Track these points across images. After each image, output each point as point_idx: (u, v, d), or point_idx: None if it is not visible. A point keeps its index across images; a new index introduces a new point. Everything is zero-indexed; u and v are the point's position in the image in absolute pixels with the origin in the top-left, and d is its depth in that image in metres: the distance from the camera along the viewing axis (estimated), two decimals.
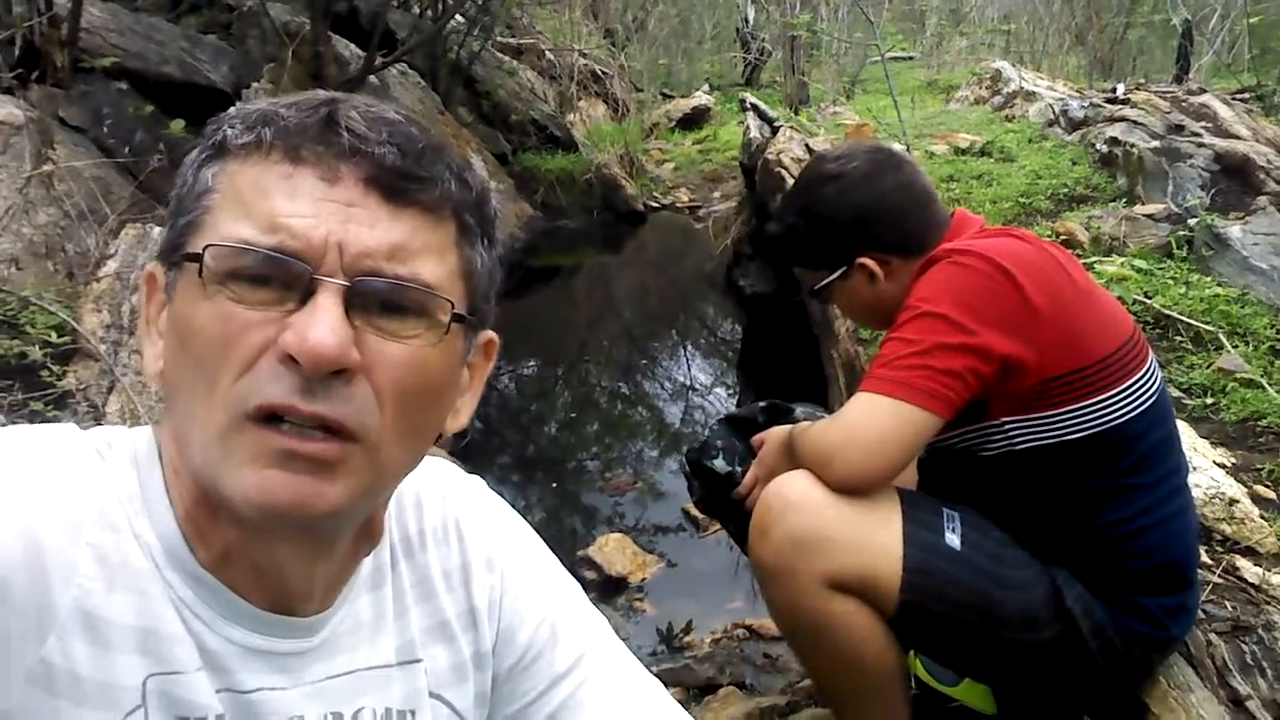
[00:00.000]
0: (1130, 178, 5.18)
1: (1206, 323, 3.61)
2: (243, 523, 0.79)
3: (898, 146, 2.28)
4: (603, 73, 11.78)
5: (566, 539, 3.64)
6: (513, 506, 1.11)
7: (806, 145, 5.71)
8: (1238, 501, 2.48)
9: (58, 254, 4.02)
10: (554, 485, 4.27)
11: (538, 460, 4.66)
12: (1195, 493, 2.36)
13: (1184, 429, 2.77)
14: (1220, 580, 2.24)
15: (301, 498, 0.76)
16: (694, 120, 12.77)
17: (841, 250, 2.00)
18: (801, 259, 2.11)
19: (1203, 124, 5.62)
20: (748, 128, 6.62)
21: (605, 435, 5.05)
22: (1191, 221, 4.37)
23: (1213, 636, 2.05)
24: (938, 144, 6.40)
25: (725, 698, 2.49)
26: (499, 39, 10.84)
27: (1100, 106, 6.32)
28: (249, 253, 0.76)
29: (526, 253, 8.03)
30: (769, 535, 1.80)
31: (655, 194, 9.74)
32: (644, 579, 3.34)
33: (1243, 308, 3.72)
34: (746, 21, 15.25)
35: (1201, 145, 5.10)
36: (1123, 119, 5.76)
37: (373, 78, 7.40)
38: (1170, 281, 4.00)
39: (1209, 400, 3.20)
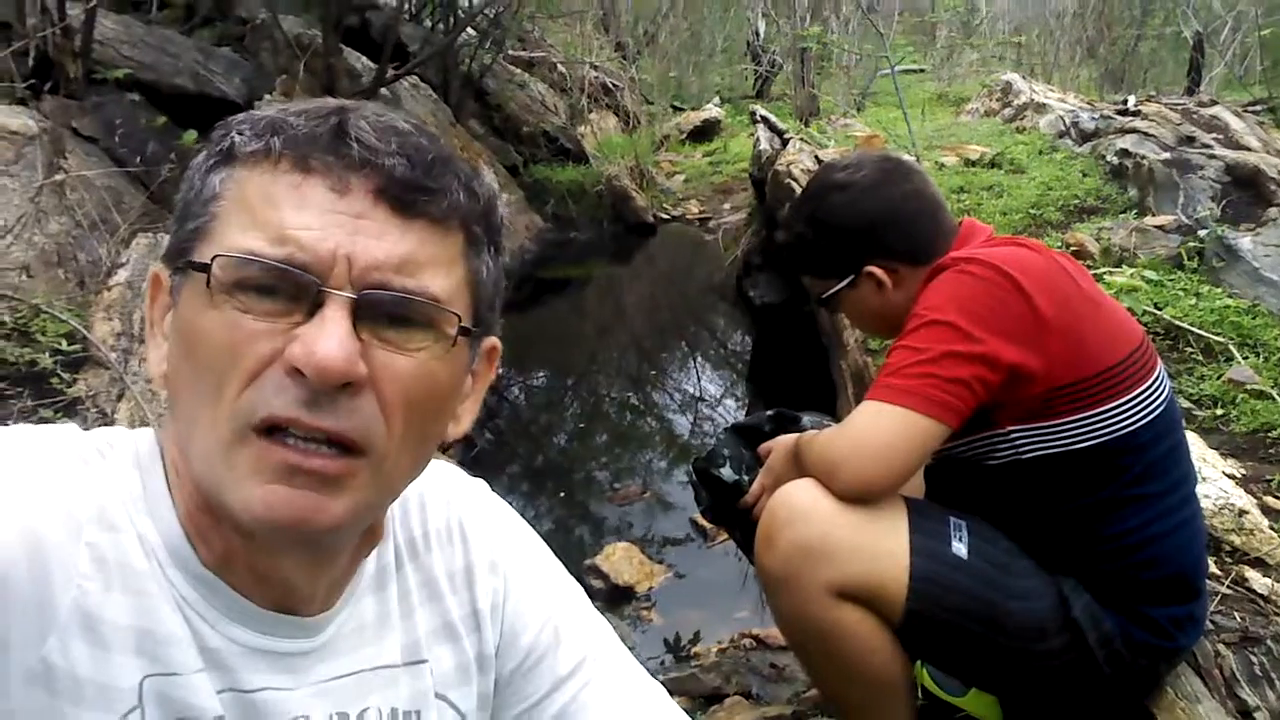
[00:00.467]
0: (1141, 189, 5.18)
1: (1217, 334, 3.60)
2: (245, 534, 0.79)
3: (907, 157, 2.29)
4: (613, 85, 11.80)
5: (574, 548, 3.64)
6: (521, 515, 1.11)
7: (816, 157, 5.70)
8: (1247, 513, 2.47)
9: (69, 262, 4.05)
10: (562, 495, 4.27)
11: (546, 470, 4.66)
12: (1204, 503, 2.35)
13: (1194, 440, 2.76)
14: (1229, 591, 2.23)
15: (305, 513, 0.76)
16: (704, 133, 12.77)
17: (849, 259, 2.00)
18: (809, 267, 2.11)
19: (1213, 136, 5.62)
20: (758, 140, 6.62)
21: (614, 445, 5.05)
22: (1202, 233, 4.36)
23: (1221, 647, 2.04)
24: (948, 156, 6.40)
25: (731, 707, 2.49)
26: (510, 52, 10.88)
27: (1111, 118, 6.31)
28: (257, 264, 0.76)
29: (537, 264, 8.05)
30: (775, 543, 1.79)
31: (665, 206, 9.75)
32: (651, 588, 3.34)
33: (1253, 319, 3.71)
34: (757, 35, 15.27)
35: (1212, 157, 5.09)
36: (1133, 131, 5.76)
37: (384, 90, 7.44)
38: (1181, 293, 4.00)
39: (1219, 411, 3.19)
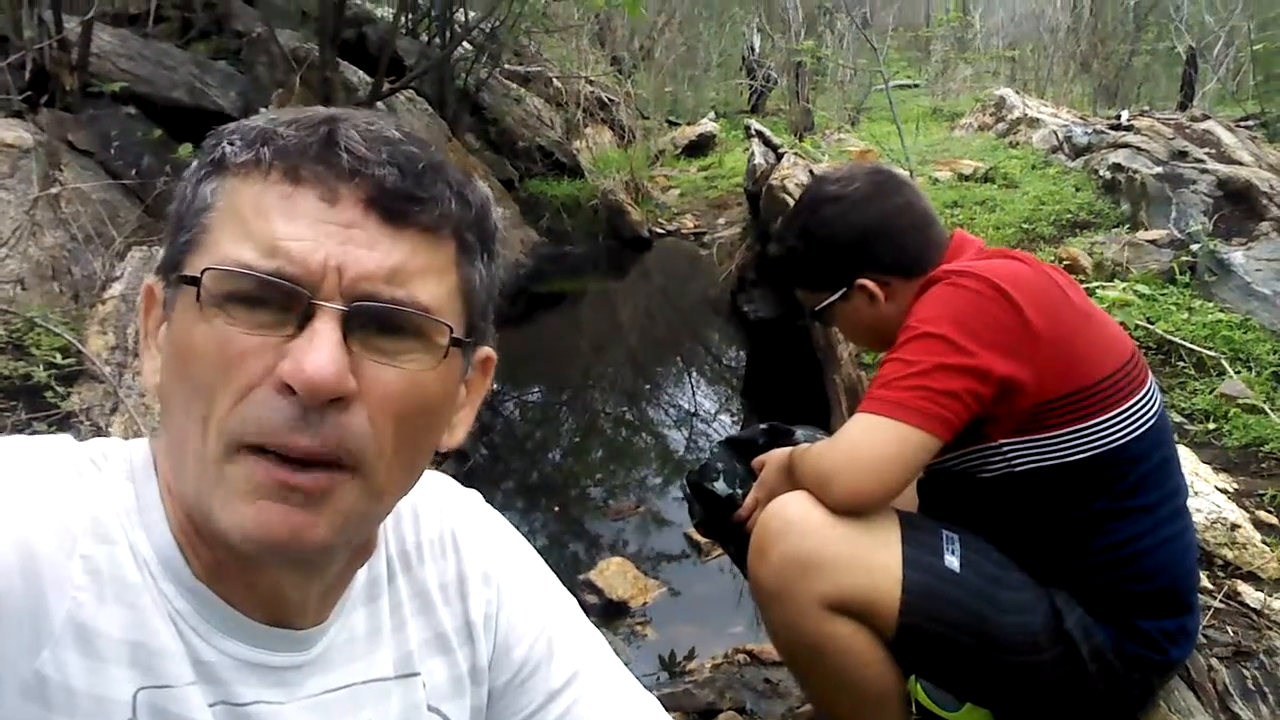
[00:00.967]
0: (1133, 203, 5.19)
1: (1209, 348, 3.61)
2: (235, 552, 0.78)
3: (899, 170, 2.30)
4: (609, 100, 11.82)
5: (569, 563, 3.63)
6: (516, 530, 1.11)
7: (811, 171, 5.72)
8: (1239, 527, 2.47)
9: (64, 276, 4.05)
10: (557, 510, 4.26)
11: (541, 485, 4.65)
12: (1197, 518, 2.36)
13: (1186, 454, 2.77)
14: (1222, 605, 2.23)
15: (295, 530, 0.75)
16: (700, 147, 12.80)
17: (841, 271, 2.00)
18: (802, 280, 2.12)
19: (1206, 150, 5.64)
20: (752, 154, 6.64)
21: (609, 461, 5.05)
22: (1194, 247, 4.37)
23: (1214, 661, 2.04)
24: (942, 170, 6.42)
25: None
26: (506, 66, 10.90)
27: (1104, 133, 6.34)
28: (247, 276, 0.75)
29: (532, 278, 8.04)
30: (768, 556, 1.79)
31: (661, 220, 9.76)
32: (645, 603, 3.33)
33: (1245, 333, 3.72)
34: (752, 49, 15.32)
35: (1204, 171, 5.11)
36: (1126, 145, 5.78)
37: (380, 104, 7.45)
38: (1173, 307, 4.01)
39: (1211, 426, 3.20)
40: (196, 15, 7.45)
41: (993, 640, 1.77)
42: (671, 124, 13.86)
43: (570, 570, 3.50)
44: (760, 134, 6.83)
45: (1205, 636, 2.08)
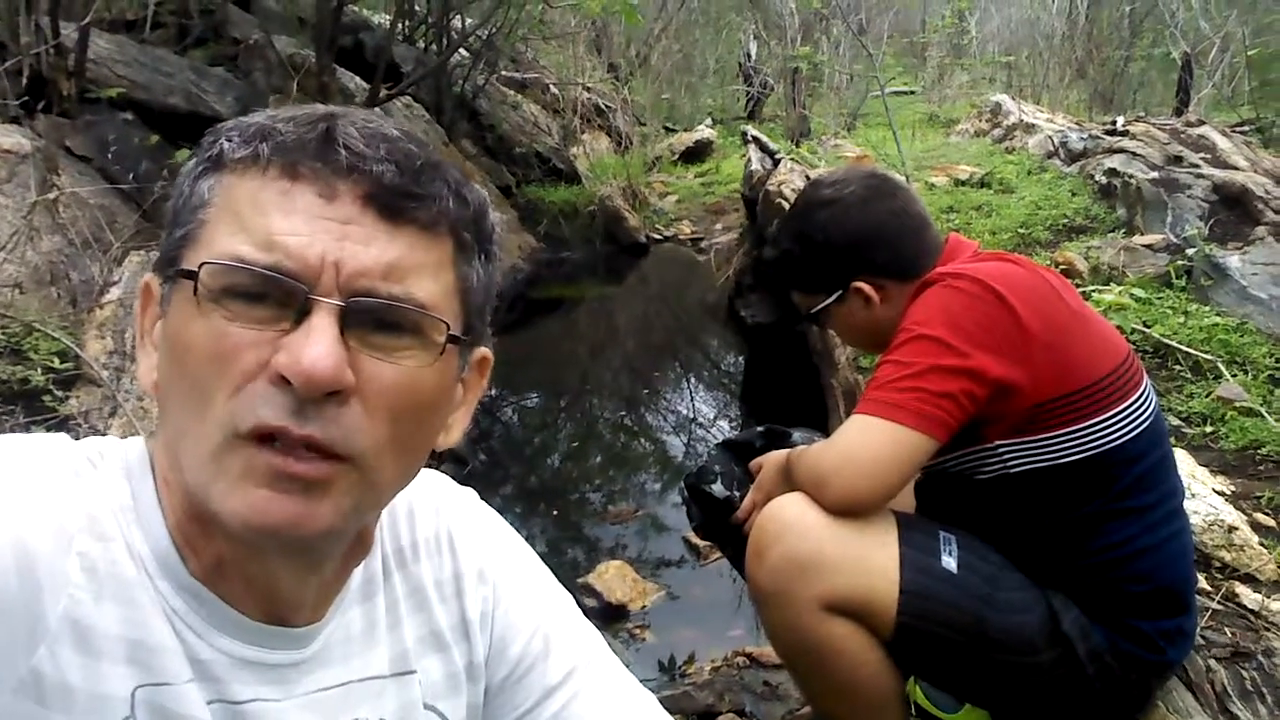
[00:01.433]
0: (1129, 208, 5.21)
1: (1206, 351, 3.62)
2: (234, 540, 0.79)
3: (894, 174, 2.31)
4: (606, 106, 11.84)
5: (568, 567, 3.63)
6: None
7: (807, 177, 5.73)
8: (1237, 529, 2.48)
9: (62, 281, 4.04)
10: (556, 514, 4.26)
11: (540, 490, 4.65)
12: (1194, 520, 2.36)
13: (1183, 457, 2.78)
14: (1219, 606, 2.23)
15: (292, 517, 0.75)
16: (696, 153, 12.81)
17: (836, 274, 2.01)
18: (797, 283, 2.12)
19: (1201, 155, 5.66)
20: (749, 160, 6.65)
21: (607, 465, 5.04)
22: (1190, 251, 4.39)
23: (1212, 662, 2.04)
24: (937, 175, 6.44)
25: None
26: (503, 73, 10.92)
27: (1099, 138, 6.36)
28: (244, 271, 0.75)
29: (529, 284, 8.05)
30: (765, 558, 1.80)
31: (658, 226, 9.77)
32: (644, 607, 3.33)
33: (1241, 336, 3.74)
34: (749, 56, 15.35)
35: (1200, 176, 5.13)
36: (1122, 150, 5.80)
37: (377, 110, 7.45)
38: (1169, 311, 4.02)
39: (1208, 429, 3.21)
40: (193, 21, 7.45)
41: (990, 641, 1.77)
42: (668, 130, 13.88)
43: (569, 573, 3.49)
44: (757, 140, 6.85)
45: (1203, 637, 2.08)
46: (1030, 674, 1.80)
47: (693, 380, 6.44)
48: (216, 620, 0.83)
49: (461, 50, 9.39)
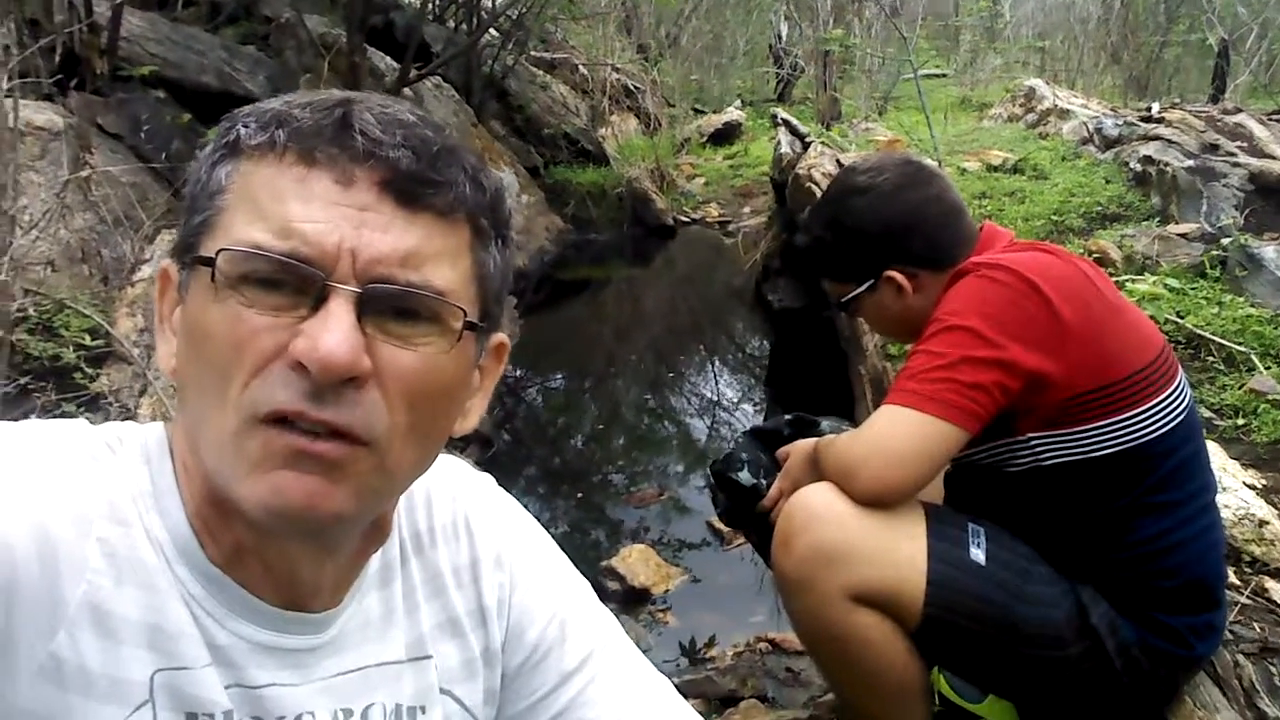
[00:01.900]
0: (1164, 197, 5.15)
1: (1239, 343, 3.58)
2: (253, 526, 0.79)
3: (929, 161, 2.28)
4: (635, 88, 11.82)
5: (591, 549, 3.64)
6: (538, 517, 1.11)
7: (838, 161, 5.69)
8: (1268, 523, 2.46)
9: (93, 258, 4.08)
10: (580, 496, 4.27)
11: (564, 472, 4.67)
12: (1225, 514, 2.34)
13: (1215, 450, 2.75)
14: (1249, 601, 2.22)
15: (311, 499, 0.76)
16: (725, 135, 12.79)
17: (869, 263, 1.99)
18: (829, 271, 2.10)
19: (1238, 144, 5.59)
20: (779, 143, 6.61)
21: (632, 448, 5.05)
22: (1225, 241, 4.34)
23: (1240, 657, 2.03)
24: (970, 161, 6.39)
25: (746, 710, 2.48)
26: (533, 53, 10.91)
27: (1134, 125, 6.28)
28: (262, 258, 0.75)
29: (556, 265, 8.07)
30: (792, 547, 1.79)
31: (685, 209, 9.76)
32: (667, 590, 3.34)
33: (1276, 329, 3.69)
34: (779, 38, 15.29)
35: (1236, 165, 5.06)
36: (1157, 138, 5.74)
37: (408, 90, 7.47)
38: (1203, 301, 3.98)
39: (1240, 421, 3.17)
40: (225, 0, 7.48)
41: (1017, 633, 1.76)
42: (697, 112, 13.85)
43: (592, 556, 3.51)
44: (787, 123, 6.80)
45: (1232, 632, 2.07)
46: (1057, 667, 1.79)
47: (718, 364, 6.44)
48: (235, 606, 0.83)
49: (491, 30, 9.38)
